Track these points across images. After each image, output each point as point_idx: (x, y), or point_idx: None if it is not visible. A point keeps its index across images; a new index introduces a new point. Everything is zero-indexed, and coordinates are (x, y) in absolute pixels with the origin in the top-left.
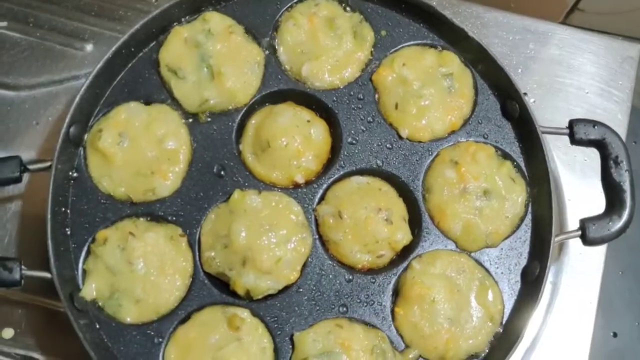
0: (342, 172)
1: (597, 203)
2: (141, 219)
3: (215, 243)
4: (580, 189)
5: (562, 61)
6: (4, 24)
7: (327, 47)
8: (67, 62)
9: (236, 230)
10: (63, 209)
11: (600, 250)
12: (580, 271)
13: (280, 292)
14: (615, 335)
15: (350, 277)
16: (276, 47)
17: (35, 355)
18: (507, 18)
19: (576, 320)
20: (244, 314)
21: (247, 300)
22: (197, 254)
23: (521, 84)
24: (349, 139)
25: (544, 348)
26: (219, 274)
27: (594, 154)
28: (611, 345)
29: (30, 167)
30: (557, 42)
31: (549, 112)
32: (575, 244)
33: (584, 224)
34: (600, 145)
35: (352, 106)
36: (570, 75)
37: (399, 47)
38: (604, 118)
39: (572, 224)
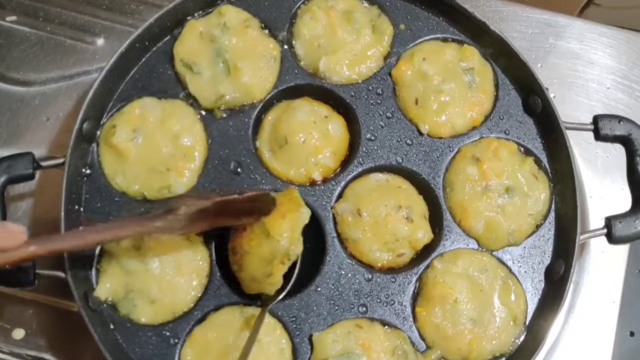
0: (360, 169)
1: (619, 200)
2: None
3: None
4: (601, 186)
5: (582, 55)
6: (14, 18)
7: (345, 41)
8: (77, 57)
9: None
10: (76, 207)
11: (623, 249)
12: (602, 270)
13: (299, 291)
14: (632, 334)
15: (370, 276)
16: (293, 41)
17: (46, 356)
18: (525, 12)
19: (598, 319)
20: None
21: (259, 299)
22: (213, 252)
23: (541, 79)
24: (368, 135)
25: (565, 348)
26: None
27: (615, 151)
28: (628, 344)
29: (43, 163)
30: (576, 36)
31: (569, 107)
32: (597, 243)
33: (609, 221)
34: (626, 141)
35: (371, 101)
36: (590, 70)
37: (419, 41)
38: (625, 113)
39: (594, 221)
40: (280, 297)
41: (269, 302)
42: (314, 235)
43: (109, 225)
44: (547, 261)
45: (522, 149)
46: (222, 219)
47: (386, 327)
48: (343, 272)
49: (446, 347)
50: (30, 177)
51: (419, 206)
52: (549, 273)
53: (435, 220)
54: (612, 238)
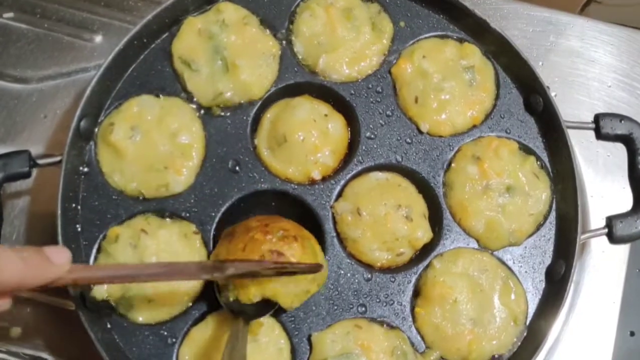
0: (360, 168)
1: (620, 200)
2: (153, 216)
3: None
4: (602, 186)
5: (583, 54)
6: (11, 14)
7: (345, 38)
8: (75, 54)
9: None
10: (73, 205)
11: (624, 249)
12: (603, 270)
13: None
14: (632, 334)
15: (369, 275)
16: (292, 39)
17: (43, 355)
18: (527, 10)
19: (599, 319)
20: None
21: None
22: (211, 251)
23: (542, 78)
24: (367, 134)
25: (566, 348)
26: None
27: (616, 150)
28: (629, 344)
29: (40, 161)
30: (577, 34)
31: (570, 106)
32: (597, 243)
33: (610, 221)
34: (627, 140)
35: (371, 99)
36: (591, 69)
37: (419, 38)
38: (627, 112)
39: (595, 221)
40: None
41: (253, 316)
42: (313, 234)
43: (158, 266)
44: (548, 261)
45: (523, 148)
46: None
47: (385, 327)
48: (342, 272)
49: (446, 347)
50: (27, 175)
51: (419, 205)
52: (550, 273)
53: (435, 220)
54: (613, 238)
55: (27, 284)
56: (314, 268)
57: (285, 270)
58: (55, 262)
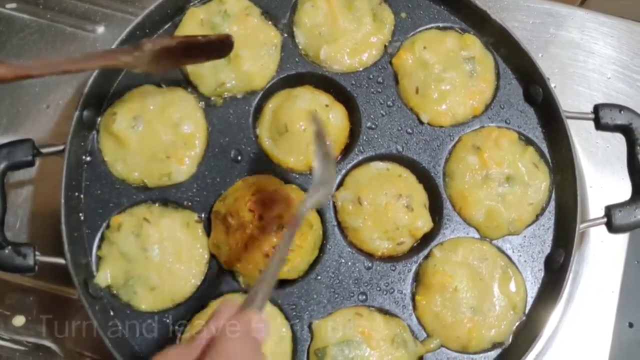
0: (361, 158)
1: (619, 191)
2: (156, 205)
3: None
4: (601, 176)
5: (583, 45)
6: (13, 5)
7: (346, 29)
8: (78, 45)
9: None
10: (76, 194)
11: (623, 239)
12: (601, 260)
13: (298, 279)
14: (631, 325)
15: (370, 264)
16: (294, 30)
17: (46, 343)
18: (527, 1)
19: (597, 309)
20: None
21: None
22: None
23: (542, 69)
24: (368, 124)
25: (564, 338)
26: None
27: (616, 141)
28: (627, 336)
29: (44, 150)
30: (577, 26)
31: (570, 97)
32: (596, 232)
33: (609, 211)
34: (626, 130)
35: (372, 90)
36: (591, 60)
37: (420, 29)
38: (626, 104)
39: (594, 211)
40: None
41: None
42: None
43: (76, 57)
44: (547, 250)
45: (522, 138)
46: (184, 59)
47: (386, 315)
48: (343, 261)
49: (446, 335)
50: (31, 163)
51: (419, 195)
52: (549, 262)
53: (435, 209)
54: (612, 227)
55: None
56: (224, 38)
57: (197, 42)
58: None
